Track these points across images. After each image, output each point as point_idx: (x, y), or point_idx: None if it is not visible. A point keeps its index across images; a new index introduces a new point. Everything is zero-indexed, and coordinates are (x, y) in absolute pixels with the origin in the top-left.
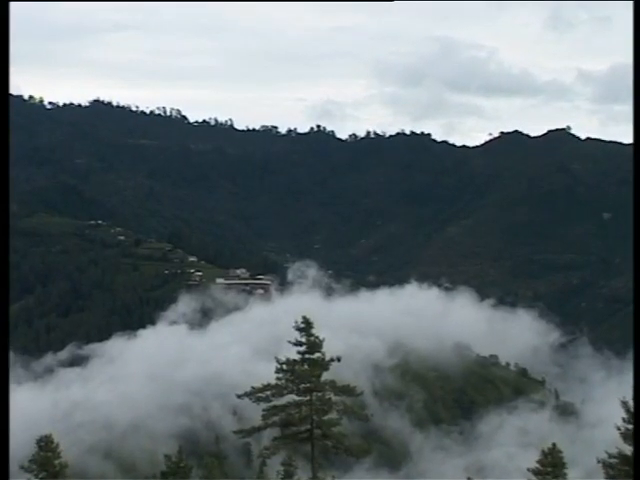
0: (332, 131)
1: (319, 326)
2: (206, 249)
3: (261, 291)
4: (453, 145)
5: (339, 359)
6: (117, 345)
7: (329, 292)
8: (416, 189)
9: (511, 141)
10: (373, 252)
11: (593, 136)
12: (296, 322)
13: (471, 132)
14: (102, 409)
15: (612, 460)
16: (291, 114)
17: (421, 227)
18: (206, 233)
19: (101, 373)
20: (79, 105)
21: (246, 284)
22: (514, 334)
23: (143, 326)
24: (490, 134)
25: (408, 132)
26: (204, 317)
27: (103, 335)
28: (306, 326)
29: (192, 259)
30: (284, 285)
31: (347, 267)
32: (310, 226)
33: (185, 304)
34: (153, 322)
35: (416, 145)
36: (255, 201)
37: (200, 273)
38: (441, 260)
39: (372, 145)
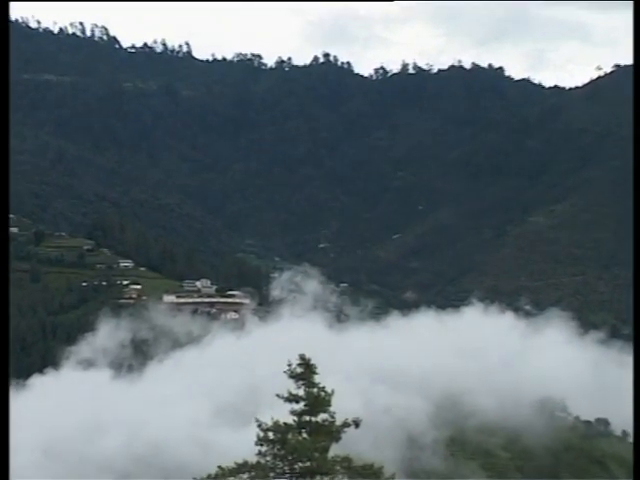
0: (348, 63)
1: (325, 371)
2: (147, 249)
3: (232, 314)
4: (540, 85)
5: (357, 424)
6: None
7: (341, 317)
8: (481, 155)
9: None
10: (412, 254)
11: None
12: (289, 364)
13: (569, 65)
14: None
15: None
16: (284, 37)
17: (489, 215)
18: (148, 224)
19: None
20: None
21: (209, 303)
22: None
23: (41, 370)
24: (599, 68)
25: (468, 65)
26: (139, 355)
27: None
28: (305, 370)
29: (125, 264)
30: (269, 305)
31: (370, 278)
32: (312, 213)
33: (110, 335)
34: (57, 363)
35: (481, 85)
36: (225, 173)
37: (137, 286)
38: (520, 268)
39: (411, 85)
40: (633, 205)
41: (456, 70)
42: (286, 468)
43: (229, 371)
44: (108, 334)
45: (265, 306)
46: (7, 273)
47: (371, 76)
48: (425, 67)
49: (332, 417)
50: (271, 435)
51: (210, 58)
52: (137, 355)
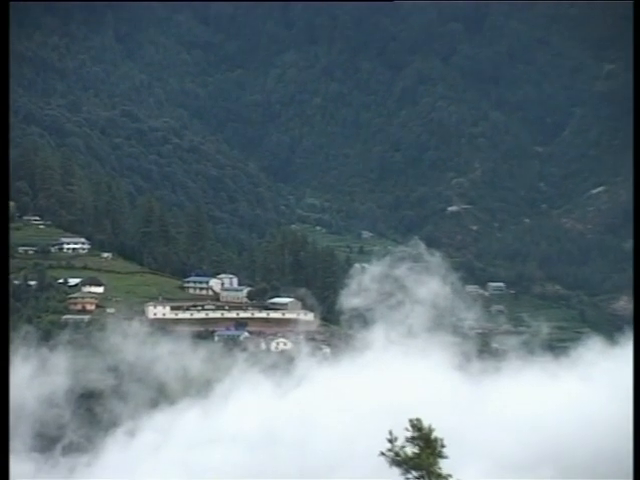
0: None
1: (460, 452)
2: (115, 217)
3: (278, 342)
4: None
5: None
6: None
7: (488, 349)
8: None
9: None
10: (629, 226)
11: None
12: (390, 438)
13: None
14: None
15: None
16: None
17: None
18: (117, 168)
19: None
20: None
21: (234, 321)
22: None
23: None
24: None
25: None
26: (92, 423)
27: None
28: (422, 450)
29: (73, 245)
30: (346, 324)
31: (546, 271)
32: (433, 147)
33: (39, 381)
34: None
35: None
36: (267, 70)
37: (97, 289)
38: None
39: None
40: (633, 205)
41: None
42: None
43: (265, 451)
44: (34, 380)
45: (338, 326)
46: (7, 274)
47: None
48: None
49: None
50: None
51: None
52: (87, 422)
